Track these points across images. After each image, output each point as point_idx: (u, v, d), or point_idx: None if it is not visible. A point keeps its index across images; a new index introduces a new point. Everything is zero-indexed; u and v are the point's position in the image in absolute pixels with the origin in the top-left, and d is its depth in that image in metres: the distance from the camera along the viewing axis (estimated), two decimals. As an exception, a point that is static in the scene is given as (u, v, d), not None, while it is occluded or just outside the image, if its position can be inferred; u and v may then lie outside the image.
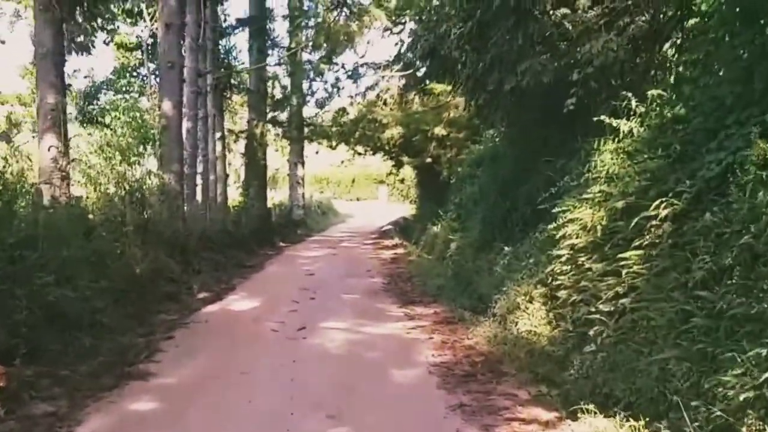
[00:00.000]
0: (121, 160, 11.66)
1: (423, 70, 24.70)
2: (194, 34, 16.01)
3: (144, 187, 11.82)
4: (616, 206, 6.66)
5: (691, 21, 7.51)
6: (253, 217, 22.65)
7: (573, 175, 8.07)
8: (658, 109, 6.91)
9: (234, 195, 25.83)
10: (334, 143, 27.41)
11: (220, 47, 22.09)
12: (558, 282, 7.77)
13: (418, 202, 31.67)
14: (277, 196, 34.59)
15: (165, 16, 13.02)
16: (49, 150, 10.54)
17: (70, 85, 19.59)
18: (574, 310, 7.36)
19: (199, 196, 17.74)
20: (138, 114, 12.40)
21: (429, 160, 21.87)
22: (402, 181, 39.76)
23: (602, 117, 7.23)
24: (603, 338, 6.46)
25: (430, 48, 10.22)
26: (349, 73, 25.16)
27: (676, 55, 7.72)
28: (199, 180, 17.67)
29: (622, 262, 6.28)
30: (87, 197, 9.98)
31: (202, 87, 17.60)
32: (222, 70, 20.92)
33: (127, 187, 10.80)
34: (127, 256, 9.47)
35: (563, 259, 7.66)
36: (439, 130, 19.46)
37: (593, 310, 6.79)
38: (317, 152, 29.83)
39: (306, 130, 27.70)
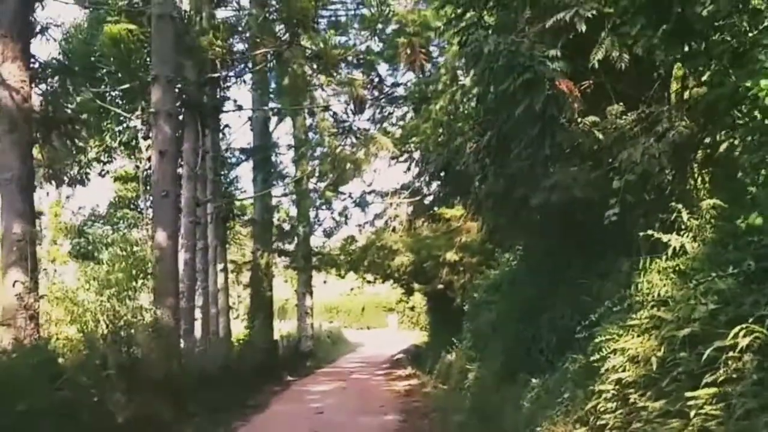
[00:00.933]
0: (110, 296, 10.78)
1: (432, 196, 24.48)
2: (192, 162, 15.34)
3: (130, 323, 10.85)
4: (676, 335, 5.63)
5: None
6: (259, 350, 21.48)
7: (615, 299, 7.06)
8: (713, 221, 6.01)
9: (239, 328, 24.73)
10: (342, 272, 26.52)
11: (222, 177, 21.51)
12: (603, 422, 6.67)
13: (430, 329, 30.84)
14: (286, 326, 33.40)
15: (159, 143, 12.33)
16: (13, 286, 9.54)
17: (41, 213, 18.90)
18: (626, 455, 6.25)
19: (199, 331, 16.66)
20: (129, 246, 11.59)
21: (440, 286, 20.88)
22: (412, 308, 38.92)
23: (650, 232, 6.30)
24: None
25: (444, 164, 9.31)
26: (357, 201, 24.64)
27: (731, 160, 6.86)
28: (198, 314, 16.64)
29: (690, 402, 5.20)
30: (56, 338, 8.78)
31: (201, 217, 16.80)
32: (223, 199, 20.21)
33: (110, 325, 9.75)
34: (108, 404, 8.34)
35: (608, 395, 6.59)
36: (451, 256, 18.57)
37: (653, 458, 5.68)
38: (325, 282, 28.95)
39: (314, 259, 26.90)
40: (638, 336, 6.37)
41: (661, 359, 5.89)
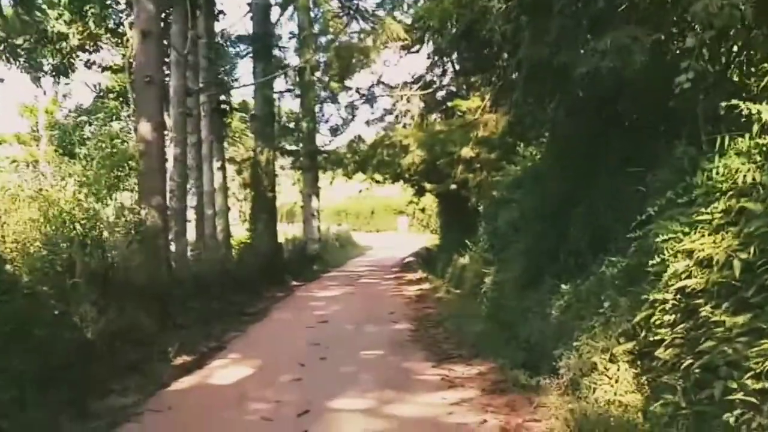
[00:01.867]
0: (87, 195, 9.54)
1: (445, 90, 22.93)
2: (181, 47, 13.74)
3: (111, 224, 9.64)
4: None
5: None
6: (261, 254, 20.42)
7: (678, 190, 5.71)
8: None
9: (242, 231, 23.63)
10: (350, 172, 25.21)
11: (217, 66, 19.78)
12: (657, 337, 5.50)
13: (442, 231, 29.86)
14: (294, 230, 32.37)
15: (141, 22, 10.78)
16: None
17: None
18: (688, 378, 5.08)
19: (193, 234, 15.47)
20: (108, 139, 10.29)
21: (454, 186, 19.54)
22: (423, 210, 37.70)
23: (734, 102, 4.88)
24: (752, 429, 4.19)
25: (465, 27, 7.48)
26: (365, 95, 23.06)
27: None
28: (192, 215, 15.40)
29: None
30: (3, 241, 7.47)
31: (192, 108, 15.26)
32: (217, 88, 18.54)
33: (85, 226, 8.52)
34: (74, 317, 7.16)
35: (668, 305, 5.39)
36: (467, 152, 17.08)
37: (732, 385, 4.52)
38: (331, 182, 27.71)
39: (319, 158, 25.51)
40: (710, 234, 5.12)
41: (745, 262, 4.64)
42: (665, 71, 5.97)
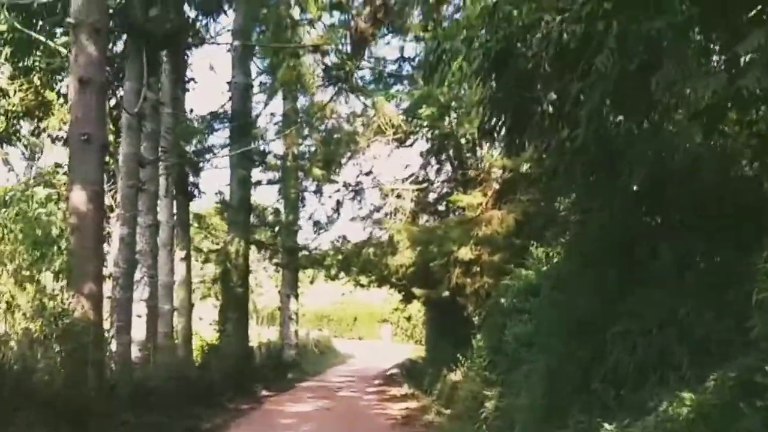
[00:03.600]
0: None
1: (440, 185, 21.16)
2: (132, 107, 11.71)
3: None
4: None
5: None
6: (229, 358, 18.13)
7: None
8: None
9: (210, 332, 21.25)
10: (333, 272, 23.12)
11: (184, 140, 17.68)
12: None
13: (429, 342, 27.72)
14: (273, 334, 29.99)
15: (80, 67, 8.85)
16: None
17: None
18: None
19: (143, 333, 13.19)
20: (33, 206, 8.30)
21: (446, 293, 17.46)
22: (408, 318, 35.43)
23: None
24: None
25: (496, 53, 5.32)
26: (353, 188, 21.12)
27: None
28: (143, 310, 13.12)
29: None
30: None
31: (147, 183, 13.00)
32: (180, 158, 16.25)
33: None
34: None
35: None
36: (466, 253, 15.06)
37: None
38: (311, 282, 25.68)
39: (300, 255, 23.44)
40: None
41: None
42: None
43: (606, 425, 6.46)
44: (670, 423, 5.36)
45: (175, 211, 17.59)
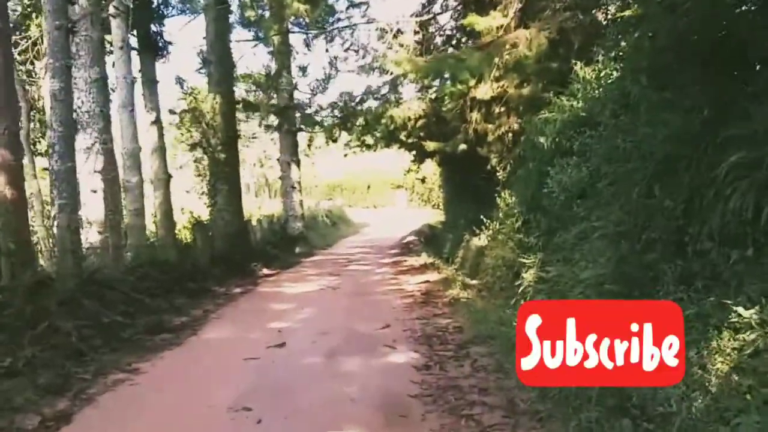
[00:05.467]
0: None
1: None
2: None
3: None
4: None
5: None
6: (220, 236, 15.87)
7: None
8: None
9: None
10: (331, 133, 20.53)
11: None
12: None
13: (447, 206, 25.47)
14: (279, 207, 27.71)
15: None
16: None
17: None
18: None
19: (99, 211, 10.76)
20: None
21: (464, 146, 14.83)
22: (423, 180, 32.92)
23: None
24: None
25: None
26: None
27: None
28: (98, 183, 10.65)
29: None
30: None
31: (83, 25, 10.26)
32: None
33: None
34: None
35: None
36: (486, 91, 12.17)
37: None
38: (308, 146, 23.26)
39: (296, 115, 20.79)
40: None
41: None
42: None
43: (740, 309, 4.13)
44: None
45: (140, 68, 14.98)
